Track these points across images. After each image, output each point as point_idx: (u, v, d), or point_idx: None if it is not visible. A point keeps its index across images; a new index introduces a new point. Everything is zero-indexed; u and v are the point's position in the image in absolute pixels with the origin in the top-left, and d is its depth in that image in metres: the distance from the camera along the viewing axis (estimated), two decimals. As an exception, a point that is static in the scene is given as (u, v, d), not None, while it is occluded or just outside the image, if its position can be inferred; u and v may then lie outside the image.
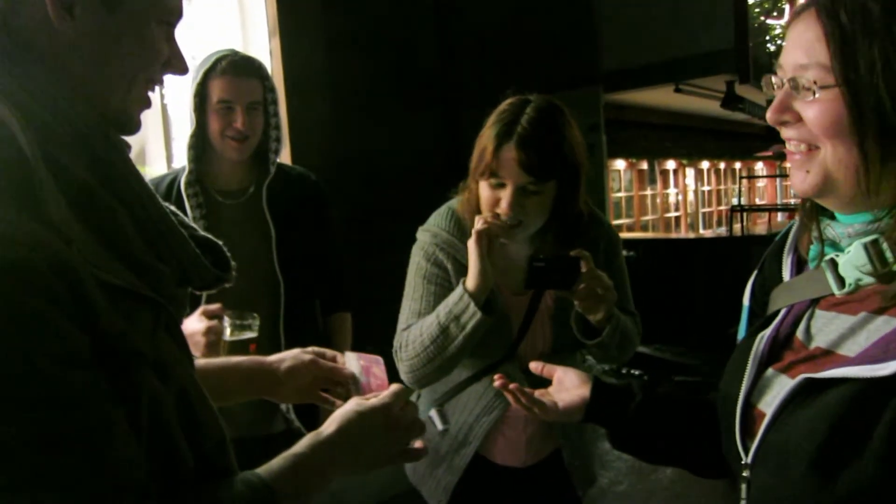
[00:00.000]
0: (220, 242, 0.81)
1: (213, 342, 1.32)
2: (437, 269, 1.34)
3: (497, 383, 0.97)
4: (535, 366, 1.04)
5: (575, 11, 4.06)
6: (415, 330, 1.30)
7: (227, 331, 1.36)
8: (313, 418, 1.66)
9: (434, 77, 3.19)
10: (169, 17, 0.70)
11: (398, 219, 2.96)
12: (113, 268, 0.60)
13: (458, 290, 1.23)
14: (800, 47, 0.67)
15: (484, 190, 1.25)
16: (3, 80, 0.59)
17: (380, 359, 0.96)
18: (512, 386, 0.95)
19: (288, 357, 0.99)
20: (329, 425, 0.78)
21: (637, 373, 4.09)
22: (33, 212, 0.55)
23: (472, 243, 1.21)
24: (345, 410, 0.79)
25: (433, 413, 1.34)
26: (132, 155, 0.72)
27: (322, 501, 0.78)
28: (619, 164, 11.80)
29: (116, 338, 0.58)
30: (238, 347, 1.37)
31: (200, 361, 0.91)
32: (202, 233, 0.79)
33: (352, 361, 0.99)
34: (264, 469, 0.70)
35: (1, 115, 0.57)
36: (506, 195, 1.21)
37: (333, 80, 2.72)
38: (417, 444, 0.85)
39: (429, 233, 1.37)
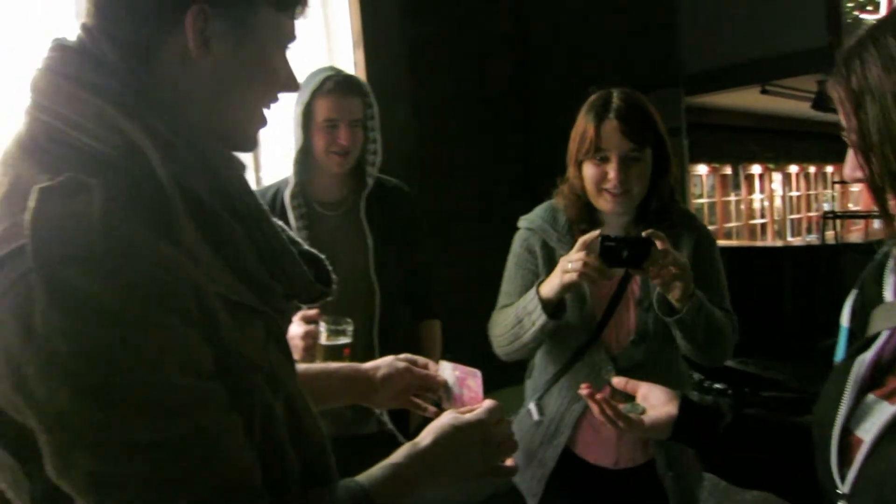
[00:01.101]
0: (323, 257, 0.85)
1: (310, 346, 1.39)
2: (527, 255, 1.47)
3: (583, 392, 0.98)
4: (618, 381, 1.04)
5: (654, 12, 3.98)
6: (503, 312, 1.46)
7: (323, 335, 1.43)
8: (404, 422, 1.72)
9: (512, 84, 3.20)
10: (287, 42, 0.74)
11: (476, 226, 3.00)
12: (232, 284, 0.65)
13: (533, 291, 1.35)
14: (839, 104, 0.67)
15: (589, 170, 1.36)
16: (141, 110, 0.64)
17: (477, 372, 0.97)
18: (598, 396, 0.96)
19: (383, 364, 1.03)
20: (425, 437, 0.79)
21: (721, 386, 3.94)
22: (167, 234, 0.60)
23: (560, 280, 1.29)
24: (441, 424, 0.80)
25: (532, 405, 1.45)
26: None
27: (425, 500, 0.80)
28: (701, 169, 11.40)
29: (235, 351, 0.63)
30: (333, 352, 1.43)
31: (301, 366, 0.96)
32: (307, 247, 0.84)
33: (446, 370, 1.01)
34: (364, 476, 0.73)
35: (141, 144, 0.62)
36: (612, 167, 1.33)
37: (414, 89, 2.78)
38: (509, 461, 0.86)
39: (526, 220, 1.51)
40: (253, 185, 0.79)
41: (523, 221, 1.51)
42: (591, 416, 1.40)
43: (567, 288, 1.30)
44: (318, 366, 1.05)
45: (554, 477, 1.44)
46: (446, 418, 0.81)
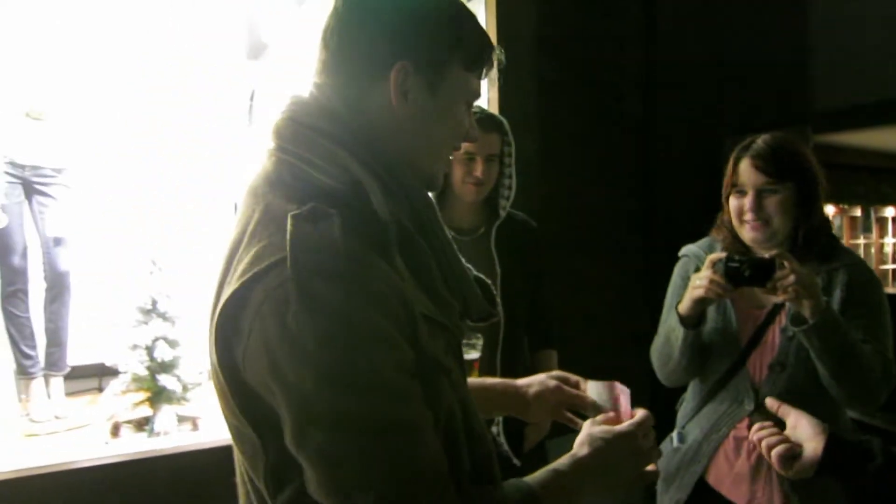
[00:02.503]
0: (490, 282, 0.96)
1: None
2: (682, 282, 1.58)
3: (754, 437, 1.01)
4: (771, 402, 1.07)
5: (783, 48, 3.88)
6: (658, 337, 1.58)
7: None
8: (519, 444, 1.79)
9: (637, 122, 3.23)
10: (472, 99, 0.86)
11: (593, 260, 3.03)
12: (423, 300, 0.77)
13: (674, 309, 1.49)
14: None
15: (732, 203, 1.49)
16: (360, 152, 0.77)
17: (627, 390, 1.03)
18: (742, 428, 0.98)
19: (535, 382, 1.11)
20: (581, 448, 0.86)
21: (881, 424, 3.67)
22: (385, 256, 0.73)
23: (689, 294, 1.42)
24: (592, 435, 0.87)
25: (675, 433, 1.55)
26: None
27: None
28: (829, 209, 10.76)
29: (430, 356, 0.74)
30: (464, 366, 1.54)
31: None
32: (476, 273, 0.95)
33: (593, 390, 1.06)
34: (530, 478, 0.81)
35: (363, 181, 0.75)
36: (748, 199, 1.44)
37: (542, 125, 2.87)
38: (651, 466, 0.91)
39: (686, 249, 1.65)
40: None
41: (683, 250, 1.65)
42: (727, 447, 1.44)
43: (698, 302, 1.41)
44: (477, 380, 1.14)
45: (689, 503, 1.48)
46: (597, 430, 0.88)
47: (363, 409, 0.67)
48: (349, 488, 0.67)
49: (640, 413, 0.92)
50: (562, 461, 0.85)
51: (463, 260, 0.90)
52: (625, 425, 0.89)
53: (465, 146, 1.74)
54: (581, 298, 2.94)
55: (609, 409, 1.02)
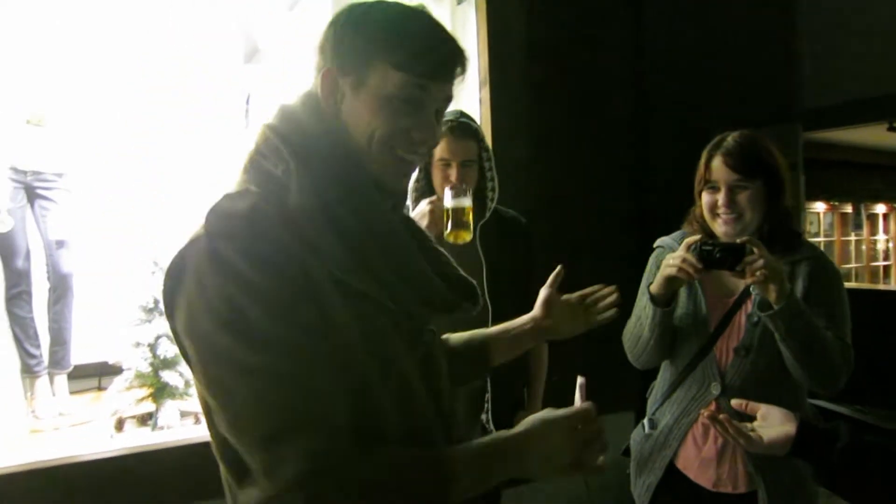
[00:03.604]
0: (475, 282, 1.06)
1: (436, 215, 1.76)
2: (655, 269, 1.63)
3: (706, 415, 1.09)
4: (737, 402, 1.15)
5: (773, 46, 3.95)
6: (630, 320, 1.66)
7: (449, 198, 1.75)
8: (508, 427, 1.86)
9: (628, 122, 3.29)
10: (406, 95, 0.86)
11: (589, 259, 3.10)
12: (358, 276, 0.84)
13: (645, 289, 1.58)
14: None
15: (704, 199, 1.56)
16: (302, 149, 0.85)
17: (582, 380, 1.10)
18: (721, 417, 1.06)
19: (531, 313, 1.29)
20: (518, 426, 0.88)
21: (845, 411, 3.76)
22: (294, 230, 0.81)
23: (661, 273, 1.51)
24: (533, 416, 0.89)
25: (646, 420, 1.62)
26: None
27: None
28: (819, 206, 10.85)
29: (339, 323, 0.81)
30: (458, 213, 1.75)
31: (497, 330, 1.31)
32: (462, 273, 1.05)
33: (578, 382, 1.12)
34: (449, 448, 0.87)
35: (294, 171, 0.83)
36: (721, 195, 1.51)
37: (535, 126, 2.94)
38: (598, 459, 0.88)
39: (660, 241, 1.73)
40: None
41: (658, 241, 1.73)
42: (695, 432, 1.51)
43: (669, 281, 1.49)
44: (501, 330, 1.31)
45: (660, 488, 1.56)
46: (541, 413, 0.89)
47: (256, 357, 0.75)
48: (242, 425, 0.77)
49: (587, 403, 0.92)
50: (489, 436, 0.88)
51: (443, 258, 1.00)
52: (561, 412, 0.88)
53: (439, 153, 1.82)
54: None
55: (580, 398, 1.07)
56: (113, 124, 3.25)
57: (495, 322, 1.93)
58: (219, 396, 0.78)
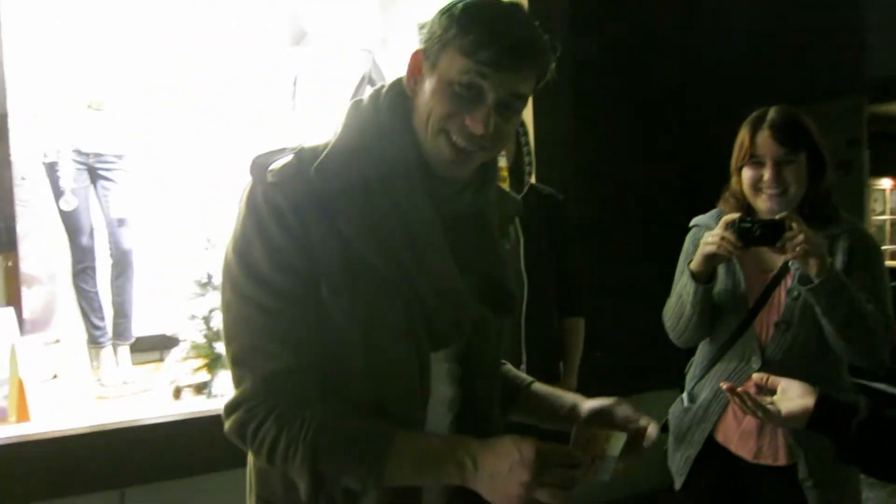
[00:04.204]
0: (516, 294, 1.05)
1: None
2: (692, 248, 1.63)
3: (724, 386, 1.10)
4: (758, 377, 1.15)
5: (835, 16, 3.77)
6: (671, 298, 1.65)
7: None
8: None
9: (675, 96, 3.22)
10: (464, 80, 0.86)
11: (629, 234, 3.07)
12: (373, 250, 0.88)
13: (686, 268, 1.56)
14: None
15: (746, 174, 1.53)
16: (347, 138, 0.92)
17: (578, 426, 1.03)
18: (739, 389, 1.07)
19: (594, 403, 1.06)
20: (489, 439, 0.84)
21: (881, 386, 3.64)
22: (322, 195, 0.88)
23: (701, 251, 1.49)
24: (510, 436, 0.83)
25: (684, 395, 1.64)
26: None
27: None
28: (885, 182, 10.35)
29: (329, 283, 0.88)
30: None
31: (539, 385, 1.13)
32: (505, 280, 1.02)
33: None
34: (399, 428, 0.86)
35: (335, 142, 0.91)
36: (767, 170, 1.49)
37: (577, 102, 2.91)
38: (549, 498, 0.80)
39: (696, 220, 1.71)
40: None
41: (694, 221, 1.72)
42: (735, 406, 1.50)
43: (709, 258, 1.47)
44: (551, 390, 1.14)
45: (699, 461, 1.56)
46: (514, 437, 0.83)
47: (250, 288, 0.87)
48: (227, 337, 0.90)
49: (564, 448, 0.87)
50: (450, 435, 0.93)
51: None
52: (531, 444, 0.80)
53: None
54: (611, 271, 2.97)
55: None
56: (168, 106, 3.38)
57: (531, 297, 1.98)
58: (222, 309, 0.92)
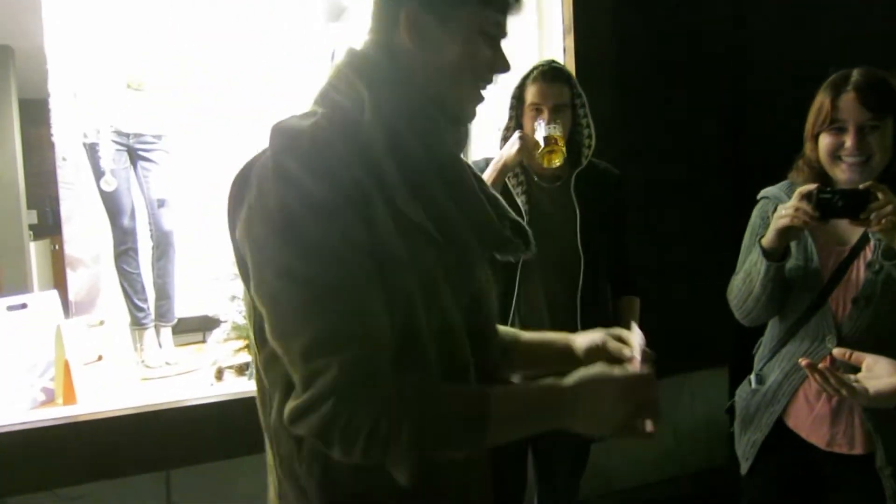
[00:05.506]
0: (524, 223, 1.03)
1: (530, 139, 1.83)
2: (761, 222, 1.56)
3: (803, 363, 1.02)
4: (839, 352, 1.06)
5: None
6: (737, 276, 1.56)
7: (543, 126, 1.82)
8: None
9: (724, 66, 3.09)
10: (492, 31, 0.93)
11: (679, 211, 2.96)
12: (413, 209, 0.85)
13: (756, 244, 1.47)
14: None
15: (825, 140, 1.42)
16: (377, 84, 0.88)
17: (640, 334, 1.02)
18: (821, 366, 0.99)
19: (585, 339, 1.10)
20: (570, 378, 0.85)
21: None
22: (363, 155, 0.84)
23: (774, 225, 1.38)
24: (588, 371, 0.86)
25: (752, 375, 1.54)
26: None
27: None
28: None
29: (389, 248, 0.82)
30: (551, 141, 1.80)
31: (527, 335, 1.13)
32: (514, 216, 1.02)
33: (636, 335, 1.05)
34: (490, 386, 0.85)
35: (367, 101, 0.86)
36: (849, 136, 1.38)
37: (622, 74, 2.81)
38: (648, 426, 0.85)
39: (765, 191, 1.61)
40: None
41: (762, 192, 1.60)
42: (807, 389, 1.42)
43: (783, 232, 1.37)
44: (540, 336, 1.17)
45: (766, 445, 1.48)
46: (595, 368, 0.86)
47: (305, 265, 0.77)
48: (286, 333, 0.79)
49: (643, 369, 0.90)
50: (541, 382, 0.86)
51: (497, 202, 1.00)
52: (618, 373, 0.86)
53: (531, 98, 1.83)
54: (667, 249, 2.91)
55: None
56: (206, 87, 3.37)
57: (586, 271, 1.91)
58: (267, 303, 0.81)
